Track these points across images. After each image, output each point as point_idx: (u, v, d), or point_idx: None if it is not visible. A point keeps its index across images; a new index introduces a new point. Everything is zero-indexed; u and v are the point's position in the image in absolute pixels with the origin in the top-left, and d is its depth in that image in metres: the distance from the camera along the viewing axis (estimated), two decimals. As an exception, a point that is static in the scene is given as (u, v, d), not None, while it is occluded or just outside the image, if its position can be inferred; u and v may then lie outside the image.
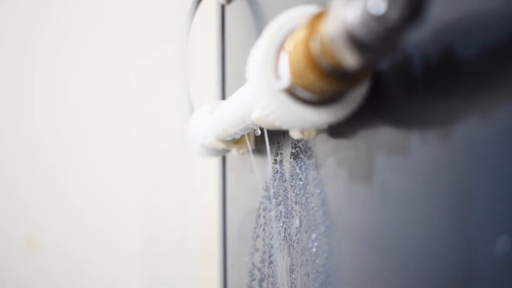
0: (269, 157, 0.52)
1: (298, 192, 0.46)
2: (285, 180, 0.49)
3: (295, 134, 0.38)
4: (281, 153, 0.50)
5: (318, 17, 0.30)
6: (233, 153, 0.57)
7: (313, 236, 0.43)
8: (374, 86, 0.34)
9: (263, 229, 0.55)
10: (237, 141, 0.55)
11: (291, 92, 0.34)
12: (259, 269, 0.57)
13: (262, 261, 0.55)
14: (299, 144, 0.46)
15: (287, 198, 0.48)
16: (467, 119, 0.26)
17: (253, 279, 0.59)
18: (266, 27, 0.35)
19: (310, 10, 0.34)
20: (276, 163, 0.51)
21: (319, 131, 0.40)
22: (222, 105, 0.52)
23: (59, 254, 1.25)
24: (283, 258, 0.49)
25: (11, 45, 1.26)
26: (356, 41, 0.26)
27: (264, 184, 0.54)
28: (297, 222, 0.46)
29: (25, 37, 1.26)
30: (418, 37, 0.28)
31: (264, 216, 0.55)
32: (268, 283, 0.54)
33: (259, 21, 0.58)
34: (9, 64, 1.26)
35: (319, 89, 0.32)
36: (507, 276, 0.24)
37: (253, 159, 0.57)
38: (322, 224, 0.41)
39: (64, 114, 1.28)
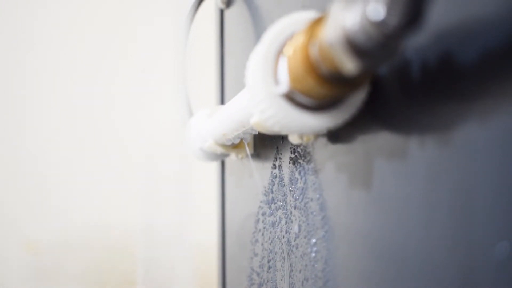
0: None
1: (297, 197, 0.46)
2: (284, 185, 0.49)
3: (294, 139, 0.38)
4: (280, 158, 0.50)
5: (317, 23, 0.30)
6: (232, 158, 0.57)
7: (312, 241, 0.42)
8: (373, 91, 0.34)
9: (262, 234, 0.55)
10: (236, 146, 0.55)
11: (290, 97, 0.34)
12: (258, 274, 0.57)
13: (261, 266, 0.55)
14: (298, 149, 0.46)
15: (286, 203, 0.48)
16: (466, 124, 0.26)
17: (252, 284, 0.58)
18: (265, 32, 0.35)
19: (309, 15, 0.34)
20: (275, 168, 0.51)
21: (318, 136, 0.40)
22: (221, 109, 0.52)
23: (57, 257, 1.25)
24: (282, 263, 0.49)
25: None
26: (355, 47, 0.26)
27: (263, 189, 0.54)
28: (296, 227, 0.46)
29: (16, 36, 1.26)
30: (417, 42, 0.28)
31: (263, 221, 0.55)
32: (267, 288, 0.54)
33: (258, 26, 0.58)
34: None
35: (318, 94, 0.32)
36: (507, 281, 0.24)
37: (252, 163, 0.57)
38: (321, 229, 0.41)
39: (61, 118, 1.27)
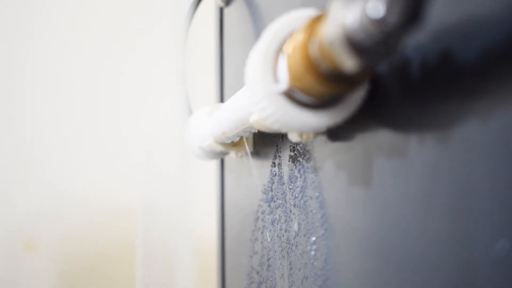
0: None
1: (297, 195, 0.46)
2: (284, 183, 0.49)
3: (293, 137, 0.38)
4: (279, 156, 0.50)
5: (317, 20, 0.30)
6: (232, 156, 0.57)
7: (312, 239, 0.43)
8: (373, 89, 0.34)
9: (262, 232, 0.55)
10: (235, 144, 0.55)
11: (289, 95, 0.34)
12: (257, 272, 0.57)
13: (261, 264, 0.55)
14: (298, 147, 0.46)
15: (285, 201, 0.48)
16: (466, 122, 0.26)
17: (252, 282, 0.58)
18: (264, 30, 0.35)
19: (309, 13, 0.34)
20: (275, 166, 0.51)
21: (317, 134, 0.40)
22: (221, 107, 0.52)
23: (57, 257, 1.25)
24: (282, 261, 0.49)
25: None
26: (354, 45, 0.26)
27: (263, 187, 0.54)
28: (295, 225, 0.46)
29: (16, 33, 1.26)
30: (416, 40, 0.28)
31: (262, 219, 0.55)
32: (266, 286, 0.54)
33: (257, 24, 0.58)
34: None
35: (317, 92, 0.32)
36: (507, 279, 0.24)
37: (252, 162, 0.57)
38: (320, 227, 0.41)
39: (60, 117, 1.27)
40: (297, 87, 0.33)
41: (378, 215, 0.33)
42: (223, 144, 0.54)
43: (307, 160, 0.44)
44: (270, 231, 0.52)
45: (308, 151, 0.44)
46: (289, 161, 0.48)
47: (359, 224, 0.36)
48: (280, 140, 0.50)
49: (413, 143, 0.30)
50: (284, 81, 0.33)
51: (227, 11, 0.72)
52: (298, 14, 0.34)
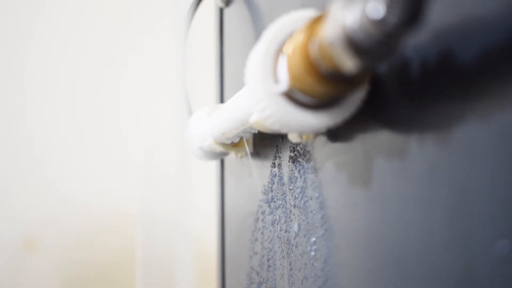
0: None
1: (297, 195, 0.46)
2: (284, 183, 0.49)
3: (293, 138, 0.38)
4: (279, 157, 0.50)
5: (317, 21, 0.30)
6: (232, 157, 0.57)
7: (312, 239, 0.43)
8: (373, 90, 0.34)
9: (262, 233, 0.55)
10: (235, 145, 0.55)
11: (289, 95, 0.34)
12: (257, 273, 0.57)
13: (261, 265, 0.55)
14: (298, 148, 0.46)
15: (285, 201, 0.48)
16: (466, 123, 0.26)
17: (252, 283, 0.58)
18: (264, 31, 0.35)
19: (309, 13, 0.34)
20: (275, 167, 0.51)
21: (317, 135, 0.40)
22: (221, 108, 0.52)
23: (57, 258, 1.25)
24: (282, 261, 0.49)
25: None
26: (354, 45, 0.26)
27: (263, 188, 0.54)
28: (295, 226, 0.46)
29: (17, 33, 1.26)
30: (416, 41, 0.28)
31: (262, 220, 0.55)
32: (266, 287, 0.54)
33: (257, 24, 0.58)
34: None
35: (317, 92, 0.32)
36: (507, 279, 0.24)
37: (252, 162, 0.57)
38: (320, 228, 0.41)
39: (60, 117, 1.27)
40: (297, 88, 0.33)
41: (378, 216, 0.33)
42: (223, 144, 0.54)
43: (307, 161, 0.44)
44: (270, 231, 0.52)
45: (308, 151, 0.44)
46: (289, 161, 0.48)
47: (359, 225, 0.36)
48: (280, 140, 0.50)
49: (413, 143, 0.30)
50: (284, 82, 0.33)
51: (227, 12, 0.72)
52: (298, 14, 0.34)
